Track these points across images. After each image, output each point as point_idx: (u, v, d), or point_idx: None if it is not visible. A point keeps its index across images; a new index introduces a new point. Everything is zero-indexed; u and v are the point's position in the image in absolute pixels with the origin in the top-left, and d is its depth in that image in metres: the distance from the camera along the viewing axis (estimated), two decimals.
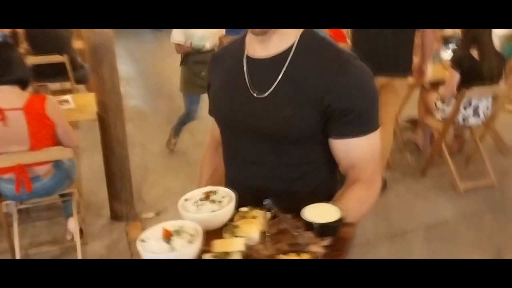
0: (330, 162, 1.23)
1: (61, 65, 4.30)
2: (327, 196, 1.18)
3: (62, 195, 2.74)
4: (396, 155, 3.94)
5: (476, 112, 3.51)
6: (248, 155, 1.25)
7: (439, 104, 3.66)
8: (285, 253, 0.95)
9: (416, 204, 3.36)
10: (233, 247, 0.99)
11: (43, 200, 2.80)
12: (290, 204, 1.07)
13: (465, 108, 3.47)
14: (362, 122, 1.12)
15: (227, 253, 0.98)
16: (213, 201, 1.13)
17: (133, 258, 2.86)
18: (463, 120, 3.53)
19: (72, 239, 2.83)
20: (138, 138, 4.69)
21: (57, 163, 2.52)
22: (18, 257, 2.55)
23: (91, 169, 3.77)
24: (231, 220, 1.10)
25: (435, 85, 3.74)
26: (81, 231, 2.89)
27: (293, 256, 0.93)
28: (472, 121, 3.55)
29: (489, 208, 3.30)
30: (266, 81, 1.14)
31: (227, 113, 1.25)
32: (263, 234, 1.04)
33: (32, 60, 4.20)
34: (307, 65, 1.11)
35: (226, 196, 1.15)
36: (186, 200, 1.16)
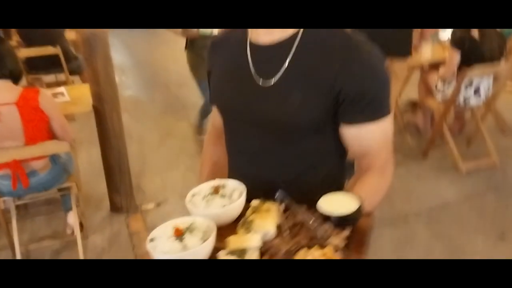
0: (340, 151, 1.19)
1: (55, 57, 4.24)
2: (336, 186, 1.15)
3: (60, 190, 2.71)
4: (397, 138, 3.90)
5: (477, 92, 3.47)
6: (254, 146, 1.21)
7: (439, 85, 3.61)
8: (304, 247, 0.90)
9: (417, 187, 3.33)
10: (249, 243, 0.95)
11: (41, 195, 2.77)
12: (299, 196, 1.04)
13: (466, 88, 3.43)
14: (375, 107, 1.07)
15: (243, 250, 0.93)
16: (223, 196, 1.09)
17: (135, 250, 2.84)
18: (464, 100, 3.49)
19: (72, 233, 2.80)
20: (135, 129, 4.64)
21: (53, 157, 2.48)
22: (18, 253, 2.53)
23: (89, 162, 3.74)
24: (243, 214, 1.06)
25: (435, 66, 3.70)
26: (81, 224, 2.86)
27: (316, 250, 0.88)
28: (473, 101, 3.51)
29: (492, 188, 3.27)
30: (272, 68, 1.10)
31: (231, 102, 1.20)
32: (279, 227, 1.00)
33: (24, 52, 4.14)
34: (315, 50, 1.06)
35: (236, 190, 1.11)
36: (193, 195, 1.12)
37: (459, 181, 3.37)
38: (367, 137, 1.10)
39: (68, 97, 3.04)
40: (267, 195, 1.08)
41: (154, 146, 4.30)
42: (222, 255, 0.94)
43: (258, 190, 1.10)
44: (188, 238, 0.94)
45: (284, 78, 1.08)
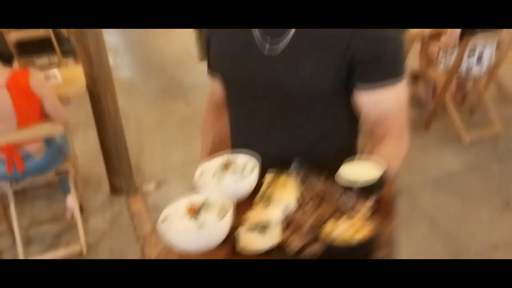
0: (353, 119, 1.15)
1: (47, 39, 4.15)
2: (349, 156, 1.10)
3: (57, 173, 2.66)
4: None
5: (480, 61, 3.39)
6: (262, 118, 1.15)
7: (441, 55, 3.53)
8: (329, 219, 0.84)
9: (421, 158, 3.28)
10: (270, 217, 0.90)
11: (38, 179, 2.73)
12: (311, 168, 0.99)
13: (468, 57, 3.35)
14: (390, 71, 1.03)
15: (264, 225, 0.88)
16: (234, 171, 1.04)
17: (136, 232, 2.81)
18: (467, 70, 3.41)
19: (72, 216, 2.77)
20: (132, 111, 4.58)
21: (48, 140, 2.42)
22: (18, 238, 2.49)
23: (86, 144, 3.68)
24: (257, 190, 1.01)
25: (436, 36, 3.60)
26: (81, 207, 2.83)
27: (344, 221, 0.83)
28: (476, 70, 3.43)
29: (496, 158, 3.22)
30: (279, 33, 1.04)
31: (235, 71, 1.14)
32: (299, 200, 0.95)
33: (16, 35, 4.06)
34: None
35: (248, 163, 1.06)
36: (202, 173, 1.07)
37: (463, 151, 3.32)
38: (382, 103, 1.06)
39: (61, 79, 2.97)
40: (279, 168, 1.03)
41: (152, 128, 4.24)
42: (243, 232, 0.88)
43: (267, 166, 1.05)
44: (204, 216, 0.89)
45: (293, 44, 1.03)
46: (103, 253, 2.63)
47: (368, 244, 0.78)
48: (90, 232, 2.83)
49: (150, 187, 3.27)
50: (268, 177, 1.02)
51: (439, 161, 3.23)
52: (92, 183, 3.32)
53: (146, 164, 3.58)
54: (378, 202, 0.91)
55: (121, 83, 5.35)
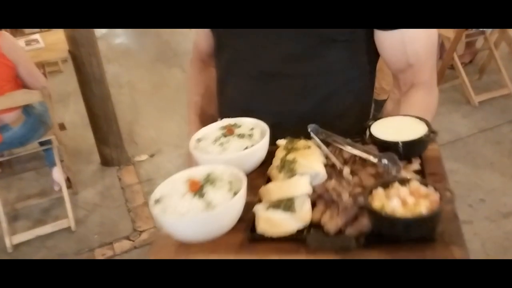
0: (370, 70, 0.99)
1: None
2: (364, 115, 0.97)
3: (41, 144, 2.51)
4: None
5: None
6: (259, 68, 0.97)
7: None
8: (373, 188, 0.65)
9: None
10: (297, 189, 0.70)
11: (20, 150, 2.59)
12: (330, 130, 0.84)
13: None
14: None
15: (290, 200, 0.69)
16: (241, 136, 0.86)
17: (128, 204, 2.68)
18: None
19: (61, 189, 2.63)
20: (126, 78, 4.40)
21: (26, 109, 2.26)
22: (1, 213, 2.36)
23: (77, 113, 3.54)
24: (268, 160, 0.83)
25: None
26: (68, 180, 2.69)
27: (396, 189, 0.63)
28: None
29: (507, 120, 3.04)
30: None
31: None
32: (329, 167, 0.77)
33: None
34: None
35: (256, 127, 0.88)
36: (199, 140, 0.88)
37: (472, 114, 3.15)
38: (412, 43, 0.91)
39: (43, 44, 2.79)
40: (278, 135, 0.86)
41: (146, 96, 4.07)
42: (262, 210, 0.69)
43: (273, 129, 0.88)
44: (211, 192, 0.70)
45: None
46: (93, 228, 2.51)
47: (433, 219, 0.60)
48: (80, 205, 2.71)
49: (143, 157, 3.12)
50: (281, 142, 0.85)
51: (447, 124, 3.05)
52: (83, 154, 3.18)
53: (139, 134, 3.43)
54: (424, 165, 0.75)
55: (115, 50, 5.15)
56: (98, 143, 2.96)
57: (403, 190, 0.62)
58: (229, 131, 0.87)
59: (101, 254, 2.33)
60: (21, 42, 2.69)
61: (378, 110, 2.74)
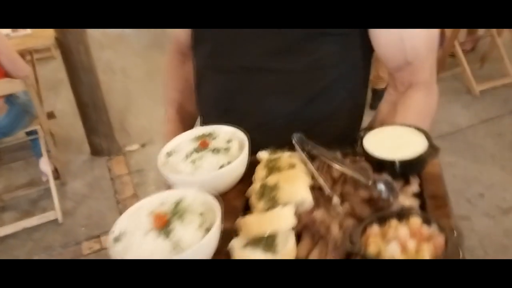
0: (365, 67, 0.92)
1: None
2: (356, 119, 0.90)
3: (28, 134, 2.44)
4: None
5: None
6: (242, 62, 0.88)
7: None
8: (368, 223, 0.55)
9: None
10: (280, 223, 0.60)
11: (6, 140, 2.52)
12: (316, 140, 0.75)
13: None
14: None
15: (271, 237, 0.60)
16: (216, 150, 0.76)
17: (117, 196, 2.61)
18: None
19: (48, 180, 2.56)
20: (119, 65, 4.31)
21: (9, 99, 2.19)
22: None
23: (68, 102, 3.44)
24: (248, 173, 0.74)
25: None
26: (56, 170, 2.62)
27: (395, 228, 0.54)
28: None
29: (509, 110, 2.95)
30: None
31: None
32: (314, 191, 0.67)
33: None
34: None
35: (234, 138, 0.79)
36: (169, 154, 0.78)
37: (473, 104, 3.06)
38: (412, 39, 0.83)
39: (29, 30, 2.69)
40: (262, 138, 0.78)
41: (140, 83, 3.98)
42: (238, 250, 0.60)
43: (248, 131, 0.80)
44: (180, 229, 0.60)
45: None
46: (80, 220, 2.44)
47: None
48: (68, 196, 2.64)
49: (134, 147, 3.05)
50: (263, 156, 0.76)
51: (446, 114, 2.96)
52: (73, 144, 3.11)
53: (131, 122, 3.35)
54: (423, 186, 0.66)
55: (109, 35, 5.04)
56: (87, 132, 2.88)
57: (403, 231, 0.53)
58: (202, 145, 0.77)
59: (88, 247, 2.27)
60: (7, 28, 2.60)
61: (375, 100, 2.67)
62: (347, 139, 0.88)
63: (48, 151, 2.50)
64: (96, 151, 2.94)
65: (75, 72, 2.61)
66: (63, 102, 3.63)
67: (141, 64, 4.31)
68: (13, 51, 2.07)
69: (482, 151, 2.60)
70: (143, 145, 3.05)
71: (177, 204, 0.64)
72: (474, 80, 3.13)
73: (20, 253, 2.25)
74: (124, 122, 3.33)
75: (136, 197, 2.54)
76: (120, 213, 2.52)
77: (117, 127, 3.11)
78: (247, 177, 0.74)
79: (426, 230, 0.53)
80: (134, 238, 0.61)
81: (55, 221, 2.41)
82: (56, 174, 2.61)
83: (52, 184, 2.43)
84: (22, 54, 2.38)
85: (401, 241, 0.52)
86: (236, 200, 0.70)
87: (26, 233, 2.37)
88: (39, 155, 2.51)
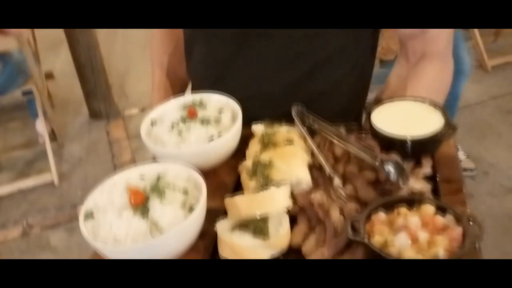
0: (372, 33, 0.83)
1: None
2: (358, 94, 0.84)
3: (24, 94, 2.38)
4: None
5: None
6: (233, 37, 0.81)
7: None
8: (373, 209, 0.49)
9: None
10: (272, 206, 0.54)
11: (4, 98, 2.47)
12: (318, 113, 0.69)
13: None
14: None
15: (262, 220, 0.53)
16: (205, 121, 0.69)
17: (114, 160, 2.57)
18: None
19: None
20: None
21: (3, 57, 2.13)
22: None
23: (68, 62, 3.36)
24: (241, 147, 0.67)
25: None
26: (53, 132, 2.57)
27: (404, 216, 0.47)
28: None
29: None
30: None
31: None
32: (314, 170, 0.60)
33: None
34: None
35: (224, 109, 0.71)
36: (153, 123, 0.72)
37: (483, 79, 2.96)
38: None
39: None
40: (258, 109, 0.72)
41: (140, 45, 3.87)
42: (225, 233, 0.54)
43: (250, 106, 0.73)
44: (158, 208, 0.54)
45: None
46: (77, 183, 2.41)
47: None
48: (65, 159, 2.60)
49: (133, 111, 2.99)
50: (257, 130, 0.69)
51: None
52: (71, 105, 3.05)
53: (131, 86, 3.27)
54: (436, 168, 0.59)
55: None
56: (86, 94, 2.83)
57: (413, 220, 0.46)
58: (190, 114, 0.70)
59: None
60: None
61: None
62: (352, 114, 0.82)
63: (44, 112, 2.44)
64: (94, 114, 2.88)
65: (72, 31, 2.53)
66: (62, 62, 3.54)
67: None
68: None
69: (489, 129, 2.53)
70: (142, 110, 2.98)
71: (158, 179, 0.57)
72: (486, 55, 3.03)
73: (15, 214, 2.23)
74: (124, 86, 3.26)
75: (134, 163, 2.50)
76: None
77: (117, 90, 3.04)
78: (240, 152, 0.68)
79: (440, 220, 0.47)
80: (106, 215, 0.55)
81: (51, 183, 2.38)
82: (53, 136, 2.57)
83: (48, 146, 2.39)
84: None
85: (411, 231, 0.45)
86: (226, 177, 0.64)
87: (21, 194, 2.34)
88: (35, 115, 2.46)
